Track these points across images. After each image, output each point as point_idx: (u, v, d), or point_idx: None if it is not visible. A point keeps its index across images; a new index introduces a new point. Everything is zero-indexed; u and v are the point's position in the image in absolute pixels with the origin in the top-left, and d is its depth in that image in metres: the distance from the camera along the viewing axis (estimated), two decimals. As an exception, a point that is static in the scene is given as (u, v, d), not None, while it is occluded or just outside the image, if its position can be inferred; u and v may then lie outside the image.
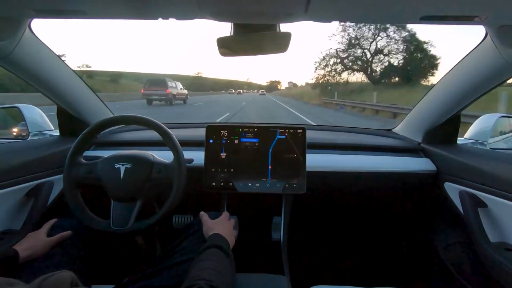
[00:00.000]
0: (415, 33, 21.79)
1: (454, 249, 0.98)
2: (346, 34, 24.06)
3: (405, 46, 22.61)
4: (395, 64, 23.20)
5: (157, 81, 15.81)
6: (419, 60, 21.90)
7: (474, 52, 0.82)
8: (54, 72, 0.93)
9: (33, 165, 0.88)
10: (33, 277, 0.63)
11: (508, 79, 0.81)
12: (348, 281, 0.77)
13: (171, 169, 0.83)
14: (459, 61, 0.89)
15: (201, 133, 1.00)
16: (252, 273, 0.77)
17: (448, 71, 0.95)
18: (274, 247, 0.96)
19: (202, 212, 0.82)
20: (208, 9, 0.59)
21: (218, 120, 8.28)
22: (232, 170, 0.96)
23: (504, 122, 1.31)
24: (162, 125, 0.85)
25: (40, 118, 1.27)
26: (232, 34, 0.72)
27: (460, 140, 1.13)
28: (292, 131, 0.97)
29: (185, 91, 18.65)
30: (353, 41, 24.35)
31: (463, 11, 0.57)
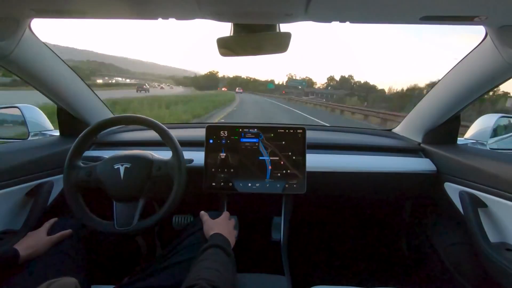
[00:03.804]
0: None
1: (454, 249, 0.98)
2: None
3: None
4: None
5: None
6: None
7: (474, 52, 0.82)
8: (54, 72, 0.93)
9: (33, 165, 0.88)
10: (33, 276, 0.63)
11: (508, 80, 0.81)
12: (348, 281, 0.78)
13: (171, 165, 0.83)
14: (459, 61, 0.89)
15: (201, 133, 1.00)
16: (252, 273, 0.77)
17: (448, 71, 0.96)
18: (274, 247, 0.96)
19: (202, 212, 0.82)
20: (208, 9, 0.59)
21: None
22: (232, 170, 0.97)
23: (504, 122, 1.31)
24: (162, 125, 0.85)
25: (40, 118, 1.26)
26: (232, 34, 0.72)
27: (460, 140, 1.13)
28: (292, 131, 0.97)
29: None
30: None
31: (463, 11, 0.57)
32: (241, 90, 71.00)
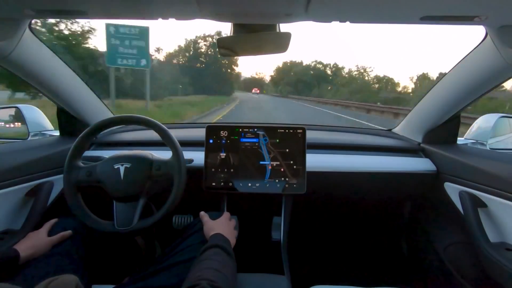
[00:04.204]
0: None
1: (454, 249, 0.98)
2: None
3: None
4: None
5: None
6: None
7: (474, 52, 0.82)
8: (54, 72, 0.93)
9: (33, 165, 0.88)
10: (34, 276, 0.64)
11: (508, 79, 0.81)
12: (348, 281, 0.77)
13: (171, 165, 0.83)
14: (459, 61, 0.89)
15: (201, 133, 1.00)
16: (252, 273, 0.77)
17: (448, 71, 0.96)
18: (274, 247, 0.96)
19: (202, 212, 0.82)
20: (208, 9, 0.59)
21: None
22: (232, 170, 0.97)
23: (504, 122, 1.31)
24: (162, 125, 0.85)
25: (40, 118, 1.27)
26: (232, 34, 0.72)
27: (460, 140, 1.13)
28: (292, 131, 0.97)
29: None
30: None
31: (463, 11, 0.57)
32: (257, 91, 58.62)
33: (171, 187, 0.81)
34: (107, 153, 0.93)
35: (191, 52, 33.19)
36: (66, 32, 10.34)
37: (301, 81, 53.82)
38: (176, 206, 0.81)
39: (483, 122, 1.26)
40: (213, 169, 0.97)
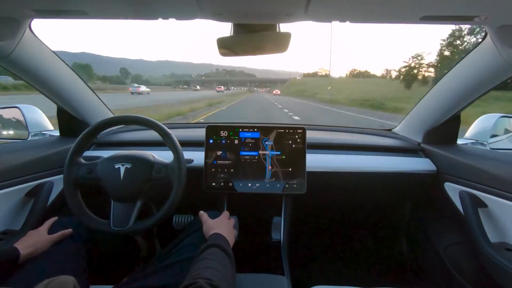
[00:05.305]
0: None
1: (454, 249, 0.98)
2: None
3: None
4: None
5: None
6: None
7: (474, 52, 0.82)
8: (54, 72, 0.93)
9: (33, 165, 0.88)
10: (34, 275, 0.64)
11: (508, 79, 0.81)
12: (348, 281, 0.77)
13: (171, 169, 0.83)
14: (459, 61, 0.89)
15: (201, 133, 1.00)
16: (252, 273, 0.77)
17: (448, 71, 0.96)
18: (274, 247, 0.96)
19: (201, 212, 0.82)
20: (208, 9, 0.59)
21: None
22: (232, 170, 0.97)
23: (504, 122, 1.31)
24: (162, 125, 0.85)
25: (40, 118, 1.27)
26: (232, 34, 0.72)
27: (460, 140, 1.13)
28: (292, 131, 0.97)
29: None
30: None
31: (463, 11, 0.57)
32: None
33: (170, 191, 0.81)
34: (107, 153, 0.93)
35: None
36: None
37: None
38: (173, 211, 0.81)
39: (483, 122, 1.26)
40: (213, 169, 0.97)
